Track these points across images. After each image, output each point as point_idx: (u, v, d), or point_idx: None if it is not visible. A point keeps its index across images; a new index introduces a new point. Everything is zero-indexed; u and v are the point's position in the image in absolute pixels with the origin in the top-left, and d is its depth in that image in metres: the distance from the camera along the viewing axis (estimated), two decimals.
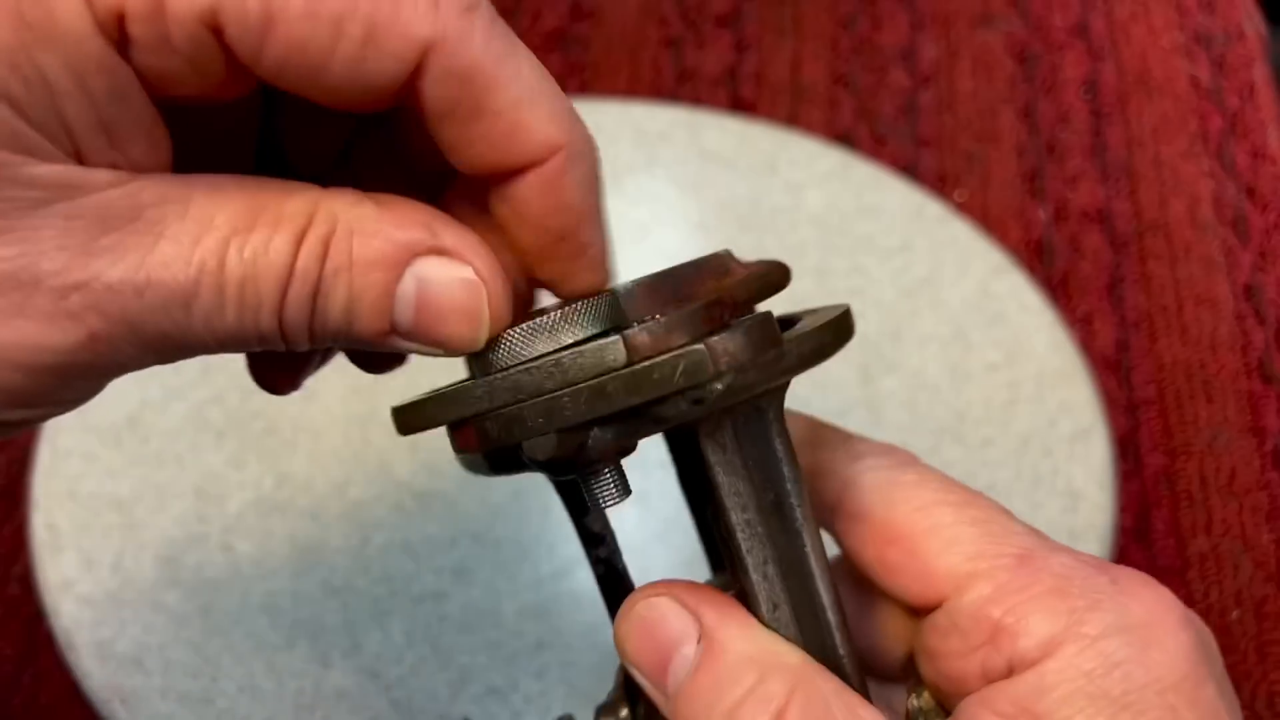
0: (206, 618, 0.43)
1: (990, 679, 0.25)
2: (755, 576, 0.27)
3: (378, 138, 0.28)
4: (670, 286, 0.26)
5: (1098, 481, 0.46)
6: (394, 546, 0.45)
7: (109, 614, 0.43)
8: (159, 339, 0.23)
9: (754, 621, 0.25)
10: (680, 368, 0.24)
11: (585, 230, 0.26)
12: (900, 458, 0.28)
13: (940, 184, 0.55)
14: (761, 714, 0.23)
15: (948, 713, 0.26)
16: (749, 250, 0.52)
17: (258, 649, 0.43)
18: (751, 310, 0.26)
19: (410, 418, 0.26)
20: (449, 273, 0.24)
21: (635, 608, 0.26)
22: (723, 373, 0.24)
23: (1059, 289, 0.52)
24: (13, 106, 0.21)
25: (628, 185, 0.54)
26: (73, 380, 0.23)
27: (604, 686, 0.42)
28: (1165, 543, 0.46)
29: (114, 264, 0.22)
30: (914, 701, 0.27)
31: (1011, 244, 0.53)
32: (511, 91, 0.23)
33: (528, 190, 0.25)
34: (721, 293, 0.25)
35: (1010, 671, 0.24)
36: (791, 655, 0.25)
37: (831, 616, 0.27)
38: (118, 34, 0.21)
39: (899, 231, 0.53)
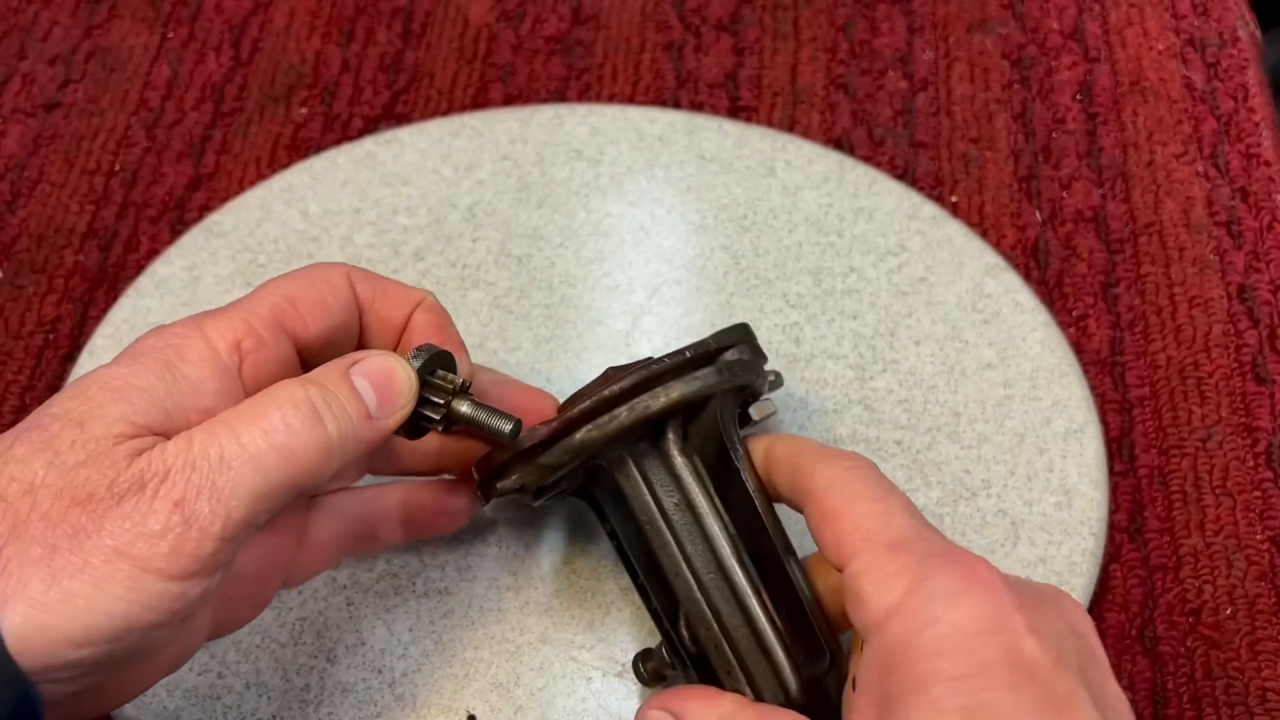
0: None
1: (862, 635, 0.32)
2: (671, 575, 0.38)
3: None
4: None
5: (1091, 478, 0.47)
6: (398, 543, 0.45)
7: None
8: None
9: (708, 695, 0.36)
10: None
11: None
12: (856, 460, 0.36)
13: (936, 186, 0.56)
14: None
15: None
16: (747, 251, 0.53)
17: (263, 645, 0.43)
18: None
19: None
20: (380, 358, 0.35)
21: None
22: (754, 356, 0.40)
23: (1054, 290, 0.53)
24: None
25: (627, 187, 0.55)
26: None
27: (607, 680, 0.43)
28: (1159, 540, 0.47)
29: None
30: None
31: (1007, 246, 0.54)
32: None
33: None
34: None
35: (865, 629, 0.31)
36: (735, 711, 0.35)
37: (754, 603, 0.37)
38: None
39: (894, 232, 0.53)
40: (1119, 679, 0.44)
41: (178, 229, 0.55)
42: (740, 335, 0.40)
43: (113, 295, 0.53)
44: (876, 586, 0.31)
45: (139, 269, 0.54)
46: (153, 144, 0.58)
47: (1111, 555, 0.47)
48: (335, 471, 0.33)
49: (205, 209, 0.56)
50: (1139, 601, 0.46)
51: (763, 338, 0.50)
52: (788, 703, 0.36)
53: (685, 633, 0.38)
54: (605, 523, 0.40)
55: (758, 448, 0.38)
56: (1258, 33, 0.61)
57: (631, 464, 0.38)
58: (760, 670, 0.36)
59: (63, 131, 0.59)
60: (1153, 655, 0.45)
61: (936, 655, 0.29)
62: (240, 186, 0.56)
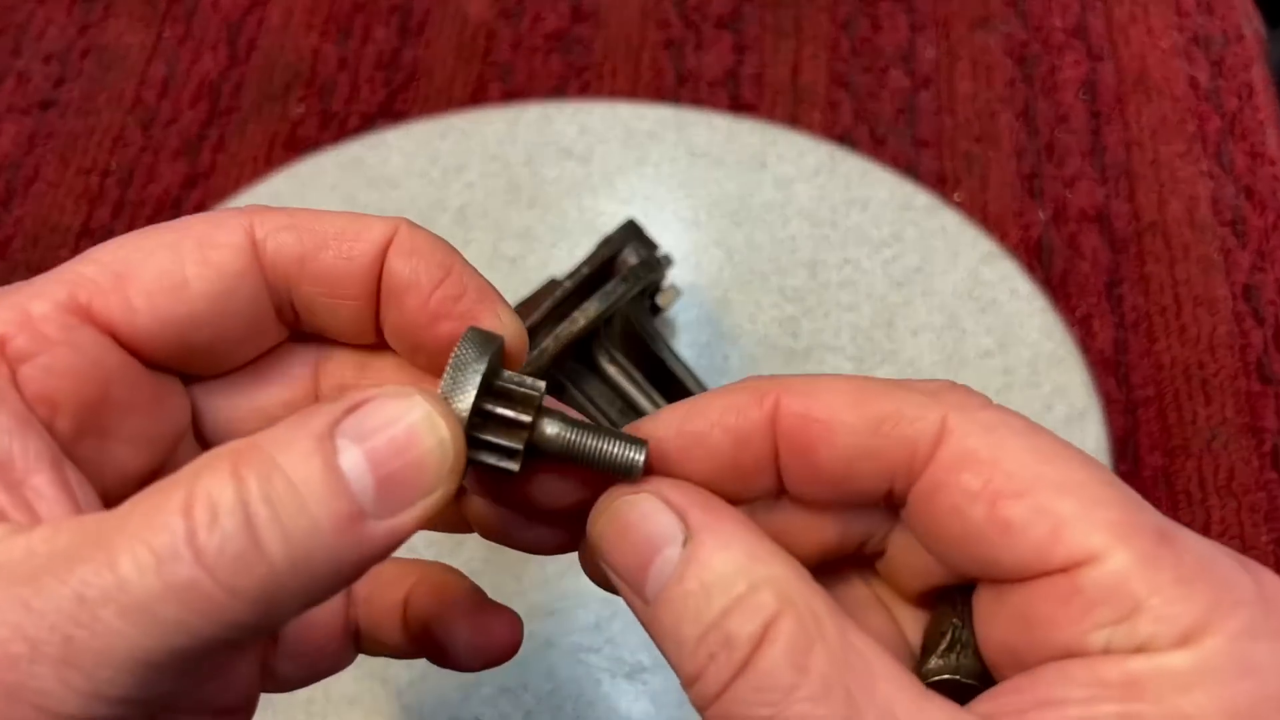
0: None
1: (1110, 654, 0.21)
2: None
3: None
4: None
5: None
6: (400, 551, 0.45)
7: None
8: None
9: (747, 522, 0.22)
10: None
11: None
12: (982, 399, 0.23)
13: (940, 185, 0.55)
14: (749, 625, 0.20)
15: (980, 681, 0.24)
16: (741, 245, 0.52)
17: None
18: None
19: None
20: (390, 412, 0.20)
21: (615, 503, 0.23)
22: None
23: (1058, 289, 0.53)
24: None
25: (618, 185, 0.54)
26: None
27: (616, 683, 0.42)
28: None
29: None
30: (940, 662, 0.25)
31: (1010, 245, 0.54)
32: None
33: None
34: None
35: (1138, 651, 0.21)
36: (784, 565, 0.21)
37: None
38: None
39: (888, 223, 0.53)
40: None
41: None
42: (629, 234, 0.42)
43: None
44: (1167, 600, 0.21)
45: None
46: (149, 142, 0.57)
47: None
48: (291, 616, 0.21)
49: (201, 208, 0.55)
50: None
51: (760, 332, 0.50)
52: None
53: None
54: None
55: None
56: (1262, 30, 0.61)
57: (569, 384, 0.40)
58: None
59: (58, 130, 0.58)
60: None
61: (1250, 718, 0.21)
62: (236, 185, 0.56)
